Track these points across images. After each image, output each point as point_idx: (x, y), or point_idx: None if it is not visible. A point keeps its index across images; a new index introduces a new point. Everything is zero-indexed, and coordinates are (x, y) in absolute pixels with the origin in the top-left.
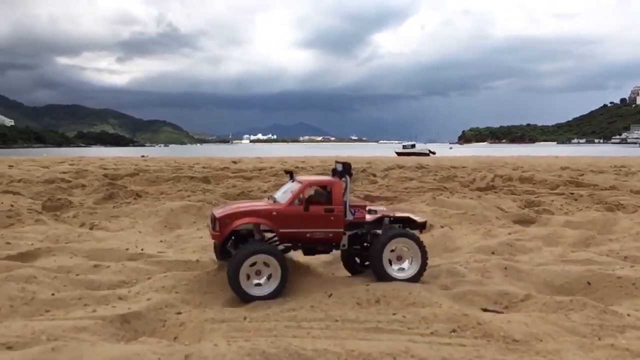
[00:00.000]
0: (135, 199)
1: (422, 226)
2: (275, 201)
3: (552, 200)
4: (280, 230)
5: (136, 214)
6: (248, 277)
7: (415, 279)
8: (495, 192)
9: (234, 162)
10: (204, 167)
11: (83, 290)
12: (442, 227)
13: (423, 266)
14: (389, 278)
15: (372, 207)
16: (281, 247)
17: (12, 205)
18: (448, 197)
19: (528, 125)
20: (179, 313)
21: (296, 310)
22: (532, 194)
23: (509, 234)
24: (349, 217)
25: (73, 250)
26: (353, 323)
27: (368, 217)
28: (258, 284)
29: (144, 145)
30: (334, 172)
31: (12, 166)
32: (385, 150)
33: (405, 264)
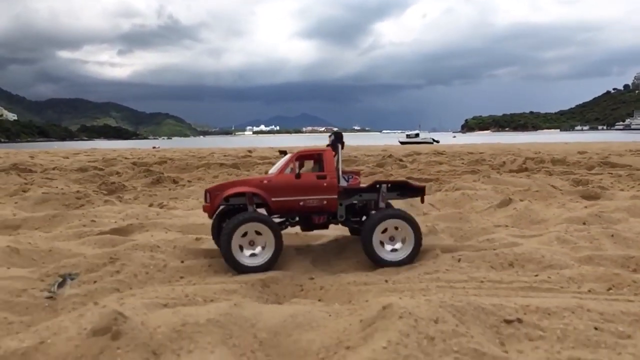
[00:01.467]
0: (174, 183)
1: (420, 192)
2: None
3: (601, 179)
4: (272, 199)
5: (196, 194)
6: (241, 248)
7: (409, 260)
8: (534, 174)
9: (249, 152)
10: (225, 156)
11: (207, 258)
12: (521, 200)
13: (417, 247)
14: (379, 261)
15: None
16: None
17: (78, 190)
18: (500, 176)
19: (531, 113)
20: (312, 278)
21: (434, 273)
22: (572, 174)
23: (585, 207)
24: (343, 183)
25: (165, 226)
26: (501, 284)
27: (362, 183)
28: (253, 254)
29: (147, 138)
30: (329, 144)
31: (32, 157)
32: (388, 140)
33: (398, 245)
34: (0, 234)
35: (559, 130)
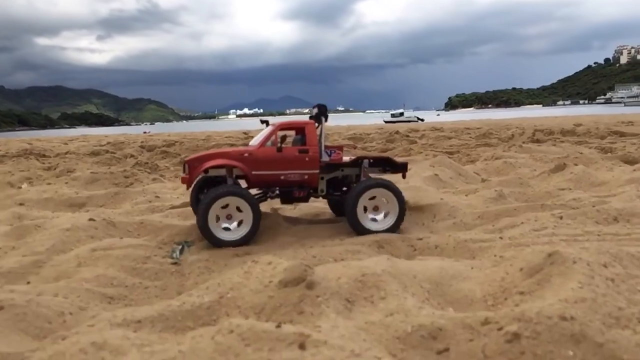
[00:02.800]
0: None
1: (402, 168)
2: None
3: (624, 146)
4: (253, 173)
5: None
6: (218, 219)
7: (392, 230)
8: (555, 144)
9: (245, 134)
10: (226, 137)
11: (304, 224)
12: (575, 165)
13: (400, 217)
14: (363, 229)
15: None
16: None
17: (125, 169)
18: (534, 145)
19: (514, 89)
20: (420, 239)
21: (543, 229)
22: (589, 143)
23: (634, 170)
24: (325, 158)
25: None
26: (618, 235)
27: (345, 158)
28: (227, 228)
29: (130, 124)
30: (312, 117)
31: (30, 144)
32: (373, 120)
33: (381, 215)
34: (71, 211)
35: (541, 105)
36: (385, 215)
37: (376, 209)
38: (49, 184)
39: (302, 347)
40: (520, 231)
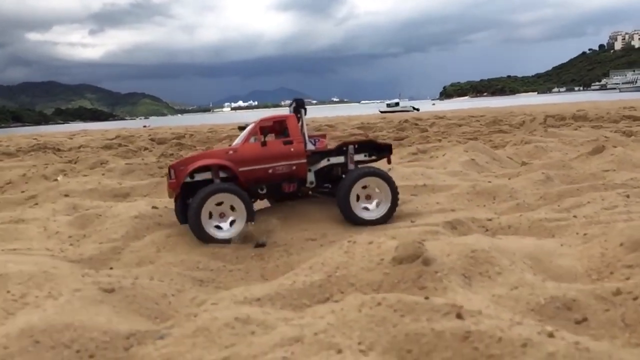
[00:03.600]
0: None
1: (387, 149)
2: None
3: None
4: (240, 170)
5: None
6: (211, 216)
7: (385, 219)
8: (574, 129)
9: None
10: (231, 129)
11: None
12: (614, 146)
13: (393, 206)
14: (356, 219)
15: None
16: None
17: (158, 160)
18: (557, 130)
19: (509, 77)
20: (490, 220)
21: (614, 208)
22: (605, 128)
23: None
24: (310, 147)
25: None
26: None
27: (330, 145)
28: (219, 227)
29: (124, 119)
30: (293, 110)
31: (36, 139)
32: (368, 110)
33: (374, 204)
34: (117, 201)
35: (536, 93)
36: (378, 205)
37: (368, 198)
38: (84, 175)
39: (459, 316)
40: (592, 210)
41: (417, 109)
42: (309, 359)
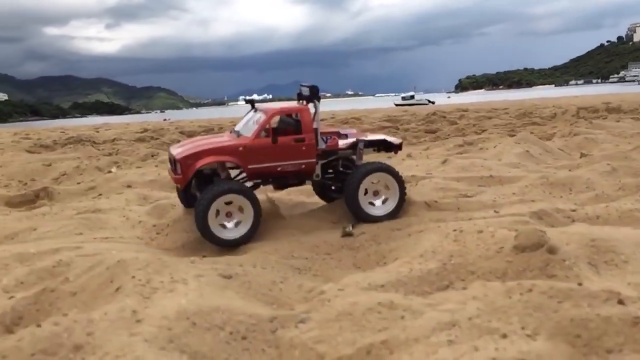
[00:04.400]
0: None
1: (397, 147)
2: (238, 135)
3: None
4: (249, 167)
5: None
6: (218, 214)
7: (392, 215)
8: (617, 120)
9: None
10: None
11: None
12: None
13: (400, 202)
14: (364, 215)
15: (343, 131)
16: (249, 183)
17: None
18: (601, 121)
19: (525, 69)
20: (574, 210)
21: None
22: None
23: None
24: (321, 145)
25: None
26: None
27: (341, 143)
28: (224, 226)
29: (140, 112)
30: (300, 97)
31: (64, 132)
32: (383, 103)
33: (381, 200)
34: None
35: (553, 85)
36: (384, 201)
37: (376, 194)
38: (138, 167)
39: (621, 302)
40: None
41: (433, 102)
42: (473, 342)
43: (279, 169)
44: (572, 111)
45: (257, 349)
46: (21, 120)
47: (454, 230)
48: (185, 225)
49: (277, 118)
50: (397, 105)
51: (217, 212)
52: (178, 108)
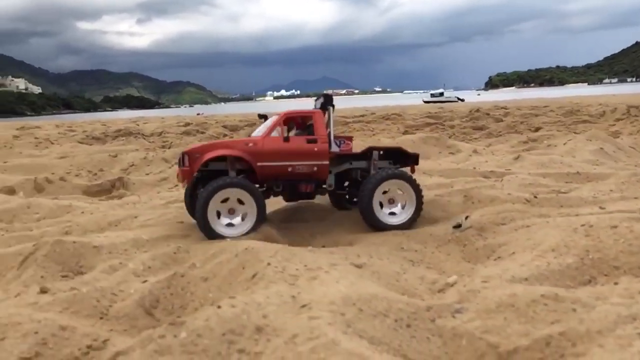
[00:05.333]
0: None
1: (414, 159)
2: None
3: None
4: (258, 164)
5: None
6: (219, 215)
7: (408, 224)
8: None
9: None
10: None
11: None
12: None
13: (417, 210)
14: (379, 224)
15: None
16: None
17: None
18: None
19: (557, 67)
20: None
21: None
22: None
23: None
24: (334, 148)
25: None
26: None
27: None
28: (230, 224)
29: (169, 107)
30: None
31: (105, 125)
32: (411, 100)
33: (398, 208)
34: None
35: (586, 84)
36: (403, 207)
37: (392, 202)
38: None
39: None
40: None
41: (462, 100)
42: None
43: (289, 169)
44: (621, 109)
45: (422, 337)
46: (54, 113)
47: (582, 225)
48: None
49: (289, 120)
50: (425, 102)
51: (218, 214)
52: (206, 103)
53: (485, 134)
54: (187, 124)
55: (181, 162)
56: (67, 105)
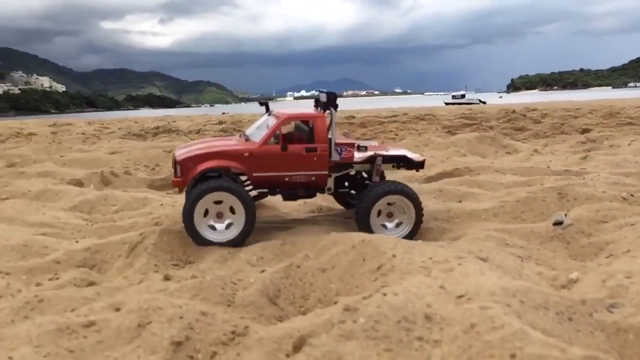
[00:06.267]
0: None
1: (419, 165)
2: (247, 139)
3: None
4: (254, 174)
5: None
6: (207, 213)
7: (408, 238)
8: None
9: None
10: None
11: None
12: None
13: (416, 227)
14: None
15: (362, 144)
16: (255, 193)
17: None
18: None
19: (581, 70)
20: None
21: None
22: None
23: None
24: (335, 157)
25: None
26: None
27: (357, 156)
28: (213, 227)
29: (190, 106)
30: (317, 103)
31: (137, 122)
32: (432, 102)
33: (395, 224)
34: None
35: (610, 87)
36: (398, 225)
37: (390, 216)
38: None
39: None
40: None
41: (484, 102)
42: None
43: (286, 179)
44: None
45: (586, 330)
46: (77, 111)
47: None
48: None
49: (289, 124)
50: (447, 104)
51: (206, 211)
52: (227, 102)
53: (530, 134)
54: (222, 122)
55: (174, 171)
56: (90, 103)
